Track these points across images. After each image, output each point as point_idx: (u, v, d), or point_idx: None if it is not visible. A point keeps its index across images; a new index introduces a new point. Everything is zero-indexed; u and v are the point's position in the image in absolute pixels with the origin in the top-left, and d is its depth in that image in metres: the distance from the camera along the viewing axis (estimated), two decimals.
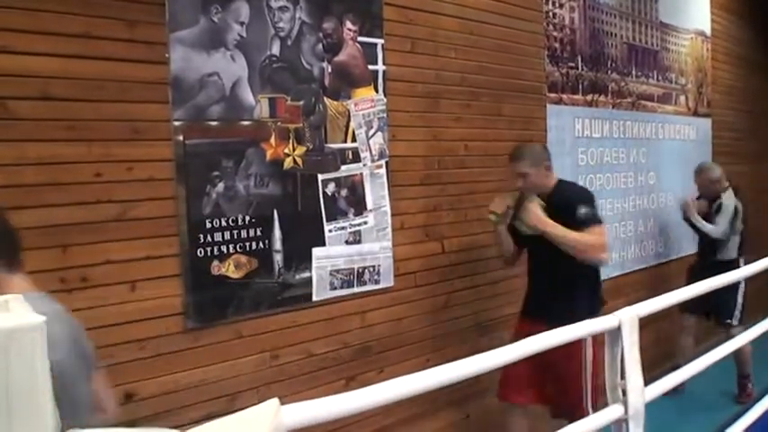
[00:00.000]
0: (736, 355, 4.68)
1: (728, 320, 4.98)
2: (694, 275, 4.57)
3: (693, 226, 5.11)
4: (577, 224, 2.97)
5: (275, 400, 1.19)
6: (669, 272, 5.59)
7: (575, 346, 2.82)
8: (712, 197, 5.10)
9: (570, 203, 3.04)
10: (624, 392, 2.18)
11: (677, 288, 2.69)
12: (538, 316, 3.07)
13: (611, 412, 2.17)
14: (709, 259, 5.04)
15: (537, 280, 3.34)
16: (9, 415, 1.07)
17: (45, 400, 1.12)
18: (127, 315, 2.36)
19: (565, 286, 3.13)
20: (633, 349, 2.18)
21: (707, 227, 5.00)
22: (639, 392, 2.18)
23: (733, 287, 4.80)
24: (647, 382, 2.24)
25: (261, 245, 2.73)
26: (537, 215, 3.03)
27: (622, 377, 2.19)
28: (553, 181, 3.24)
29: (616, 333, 2.17)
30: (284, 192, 2.81)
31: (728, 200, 5.05)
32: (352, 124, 3.07)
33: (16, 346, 1.09)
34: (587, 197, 3.15)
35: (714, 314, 5.07)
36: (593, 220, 3.01)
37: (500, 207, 3.23)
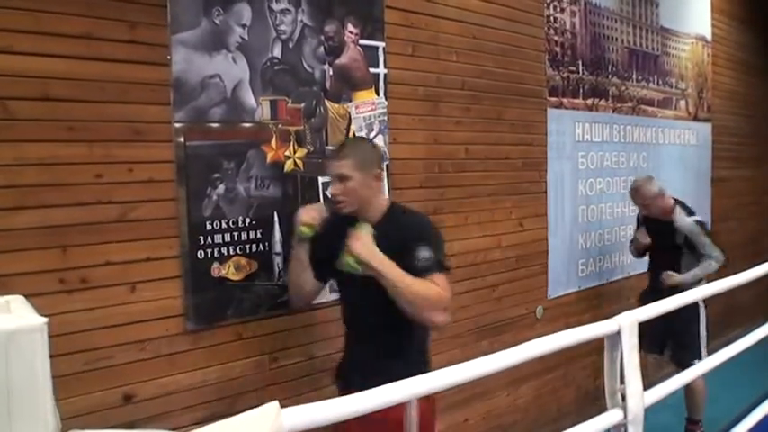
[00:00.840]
0: (688, 395, 4.24)
1: (696, 360, 3.95)
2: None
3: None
4: (416, 270, 2.23)
5: (275, 403, 1.19)
6: None
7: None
8: (663, 216, 4.23)
9: (407, 240, 2.29)
10: (623, 397, 2.17)
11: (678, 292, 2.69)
12: (353, 382, 2.26)
13: (611, 417, 2.17)
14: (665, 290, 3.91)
15: (354, 335, 2.59)
16: (9, 416, 1.07)
17: (46, 401, 1.12)
18: (127, 316, 2.36)
19: (390, 346, 2.41)
20: (632, 354, 2.17)
21: (702, 271, 4.12)
22: (639, 397, 2.18)
23: (695, 320, 4.17)
24: (646, 387, 2.24)
25: (261, 247, 2.73)
26: (370, 247, 2.24)
27: (621, 382, 2.18)
28: (384, 201, 2.51)
29: (615, 338, 2.16)
30: (285, 194, 2.81)
31: (685, 221, 4.19)
32: (353, 127, 3.07)
33: (16, 347, 1.09)
34: (432, 233, 2.41)
35: (675, 357, 4.28)
36: (437, 267, 2.27)
37: (314, 218, 2.49)
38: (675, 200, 4.30)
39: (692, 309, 3.92)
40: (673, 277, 4.13)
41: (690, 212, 4.25)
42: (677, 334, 4.20)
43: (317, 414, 1.28)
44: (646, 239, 4.33)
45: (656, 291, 4.05)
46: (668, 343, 4.29)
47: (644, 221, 4.46)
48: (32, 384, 1.10)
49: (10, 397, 1.07)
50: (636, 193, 4.30)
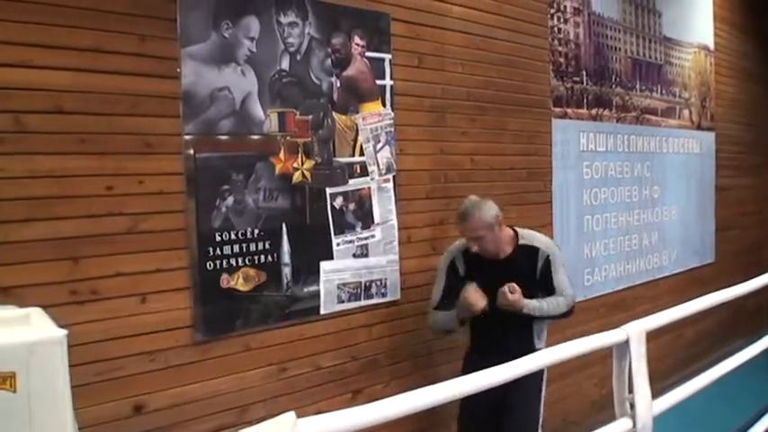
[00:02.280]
0: None
1: None
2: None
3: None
4: None
5: (291, 413, 1.21)
6: (674, 285, 5.60)
7: None
8: (500, 253, 2.97)
9: None
10: (632, 406, 2.18)
11: (684, 301, 2.70)
12: None
13: (620, 426, 2.18)
14: (498, 349, 2.72)
15: None
16: (31, 425, 1.09)
17: (65, 412, 1.14)
18: (137, 327, 2.37)
19: None
20: (641, 363, 2.19)
21: (555, 306, 2.95)
22: (647, 406, 2.19)
23: (536, 395, 3.00)
24: (654, 396, 2.25)
25: (270, 258, 2.75)
26: None
27: (630, 391, 2.19)
28: None
29: (624, 347, 2.18)
30: (293, 205, 2.83)
31: (544, 240, 3.08)
32: (360, 138, 3.09)
33: (37, 359, 1.11)
34: None
35: None
36: None
37: None
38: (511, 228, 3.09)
39: (533, 376, 2.53)
40: (515, 296, 2.83)
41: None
42: (514, 406, 2.93)
43: (333, 424, 1.29)
44: (481, 302, 2.85)
45: (486, 353, 2.92)
46: (502, 418, 2.98)
47: (466, 267, 3.05)
48: (53, 395, 1.12)
49: (31, 407, 1.09)
50: (464, 220, 2.91)
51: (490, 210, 2.90)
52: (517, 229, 3.07)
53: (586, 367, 4.43)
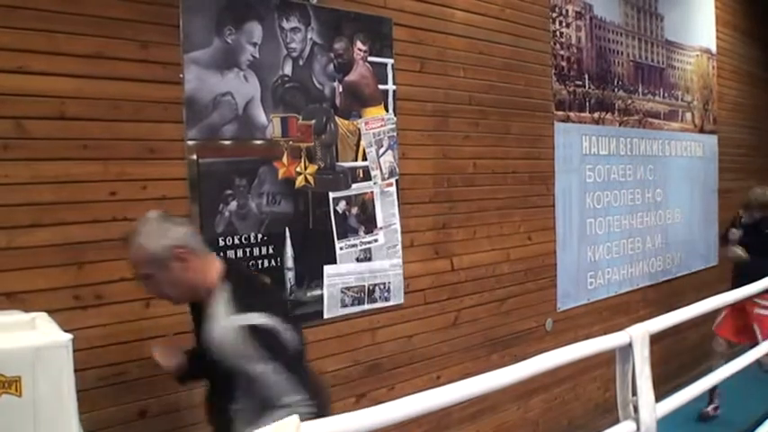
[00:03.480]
0: None
1: None
2: None
3: None
4: None
5: (295, 417, 1.21)
6: (677, 288, 5.59)
7: None
8: (203, 298, 2.00)
9: None
10: (636, 409, 2.18)
11: (687, 304, 2.69)
12: None
13: (623, 429, 2.17)
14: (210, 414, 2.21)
15: None
16: (35, 430, 1.09)
17: (70, 416, 1.14)
18: (141, 332, 2.38)
19: None
20: (644, 366, 2.18)
21: None
22: (651, 409, 2.19)
23: None
24: (658, 399, 2.24)
25: (273, 262, 2.75)
26: None
27: (633, 394, 2.19)
28: None
29: (627, 350, 2.17)
30: (296, 210, 2.84)
31: (219, 321, 1.89)
32: (363, 143, 3.10)
33: (42, 363, 1.11)
34: None
35: None
36: None
37: None
38: (230, 266, 2.06)
39: None
40: (164, 360, 2.16)
41: (246, 302, 1.91)
42: None
43: (335, 427, 1.29)
44: (166, 360, 2.17)
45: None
46: None
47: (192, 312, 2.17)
48: (58, 399, 1.13)
49: (36, 411, 1.10)
50: (128, 248, 1.90)
51: (161, 237, 1.87)
52: (232, 273, 2.02)
53: (590, 370, 4.43)
